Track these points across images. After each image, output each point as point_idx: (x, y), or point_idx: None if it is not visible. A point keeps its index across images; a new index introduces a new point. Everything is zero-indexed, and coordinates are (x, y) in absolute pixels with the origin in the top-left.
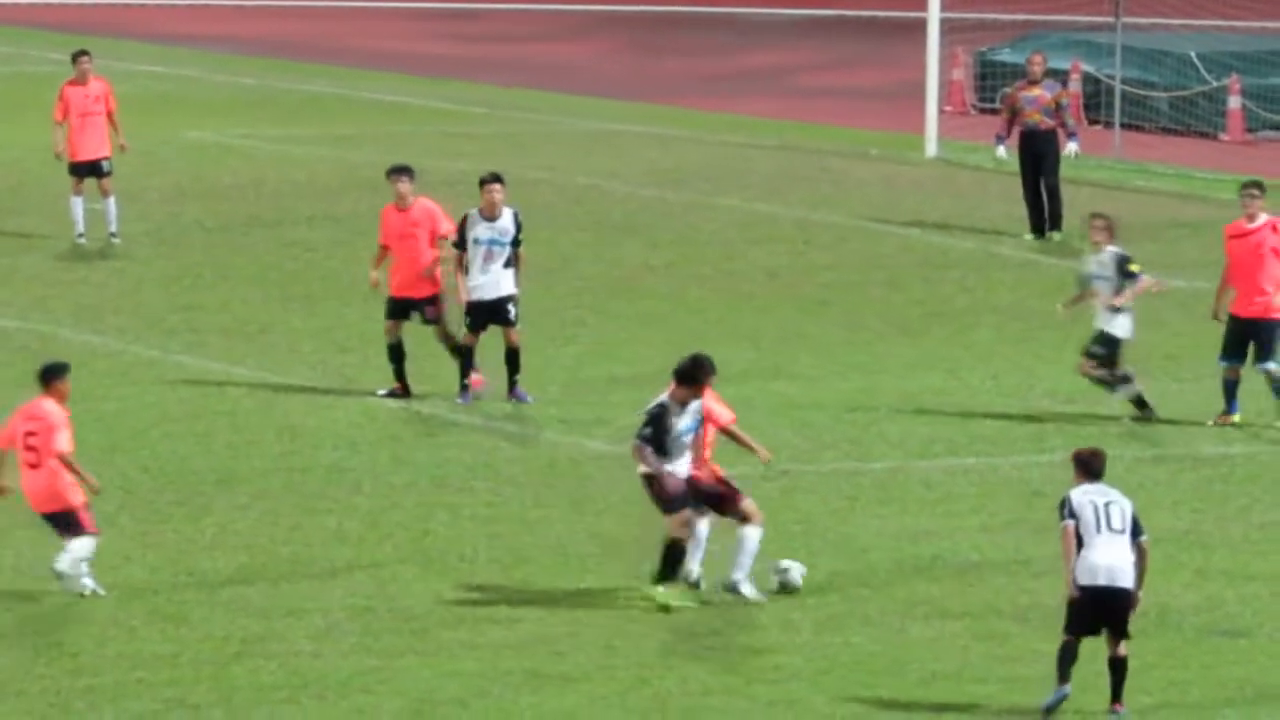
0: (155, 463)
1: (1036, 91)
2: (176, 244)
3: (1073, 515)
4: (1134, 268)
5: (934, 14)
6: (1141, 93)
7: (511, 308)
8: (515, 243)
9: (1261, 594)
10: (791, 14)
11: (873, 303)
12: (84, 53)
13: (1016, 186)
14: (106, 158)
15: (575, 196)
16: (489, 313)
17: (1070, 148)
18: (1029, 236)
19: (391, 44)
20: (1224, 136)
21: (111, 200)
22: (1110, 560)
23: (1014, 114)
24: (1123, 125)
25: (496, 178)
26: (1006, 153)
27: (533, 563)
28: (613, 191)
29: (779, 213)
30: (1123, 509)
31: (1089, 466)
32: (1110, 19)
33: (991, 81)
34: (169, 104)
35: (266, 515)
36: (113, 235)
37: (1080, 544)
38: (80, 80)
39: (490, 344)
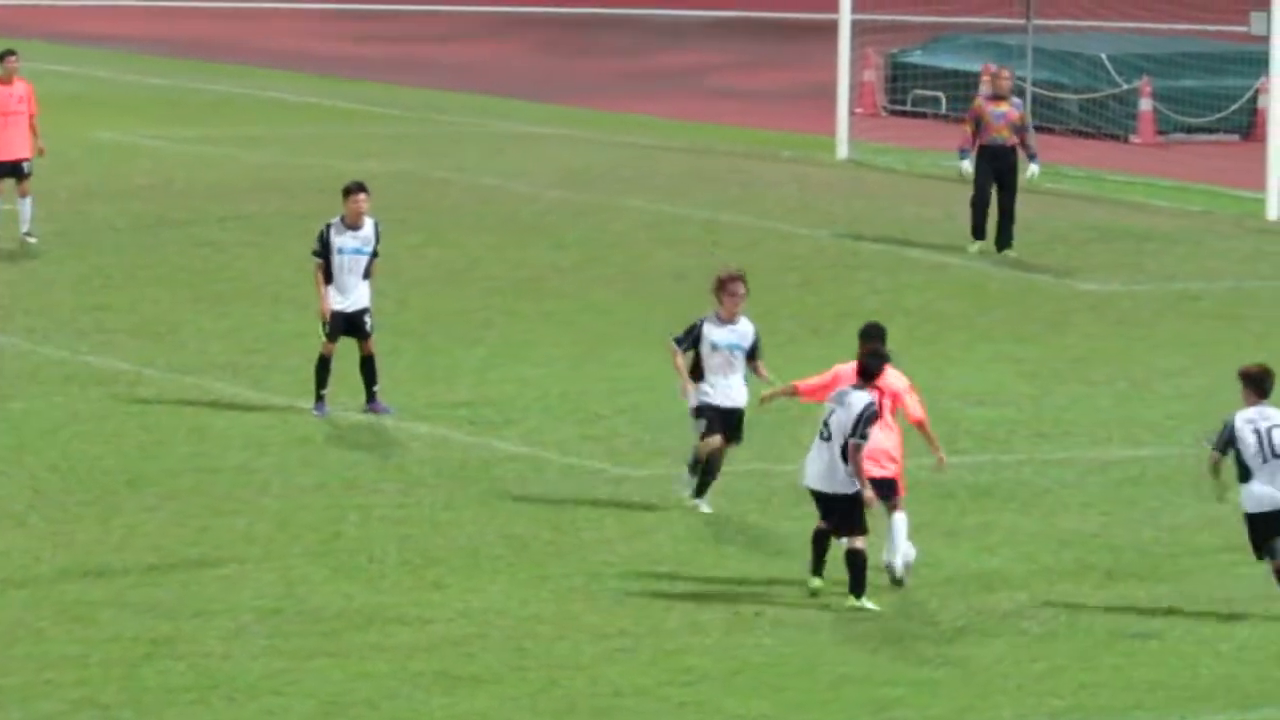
0: (64, 463)
1: (1005, 107)
2: (86, 244)
3: (1230, 443)
4: None
5: (845, 16)
6: (1052, 95)
7: (368, 319)
8: (374, 254)
9: (1171, 596)
10: (702, 15)
11: (784, 304)
12: (11, 52)
13: (927, 188)
14: (27, 159)
15: (483, 197)
16: (347, 323)
17: (1032, 170)
18: (975, 247)
19: (301, 44)
20: (1135, 139)
21: (29, 201)
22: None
23: (978, 127)
24: (1033, 127)
25: (362, 187)
26: (971, 166)
27: (443, 564)
28: (520, 192)
29: (688, 214)
30: None
31: (1260, 384)
32: (1021, 21)
33: (902, 83)
34: (78, 104)
35: (175, 516)
36: (28, 235)
37: (1246, 473)
38: (5, 80)
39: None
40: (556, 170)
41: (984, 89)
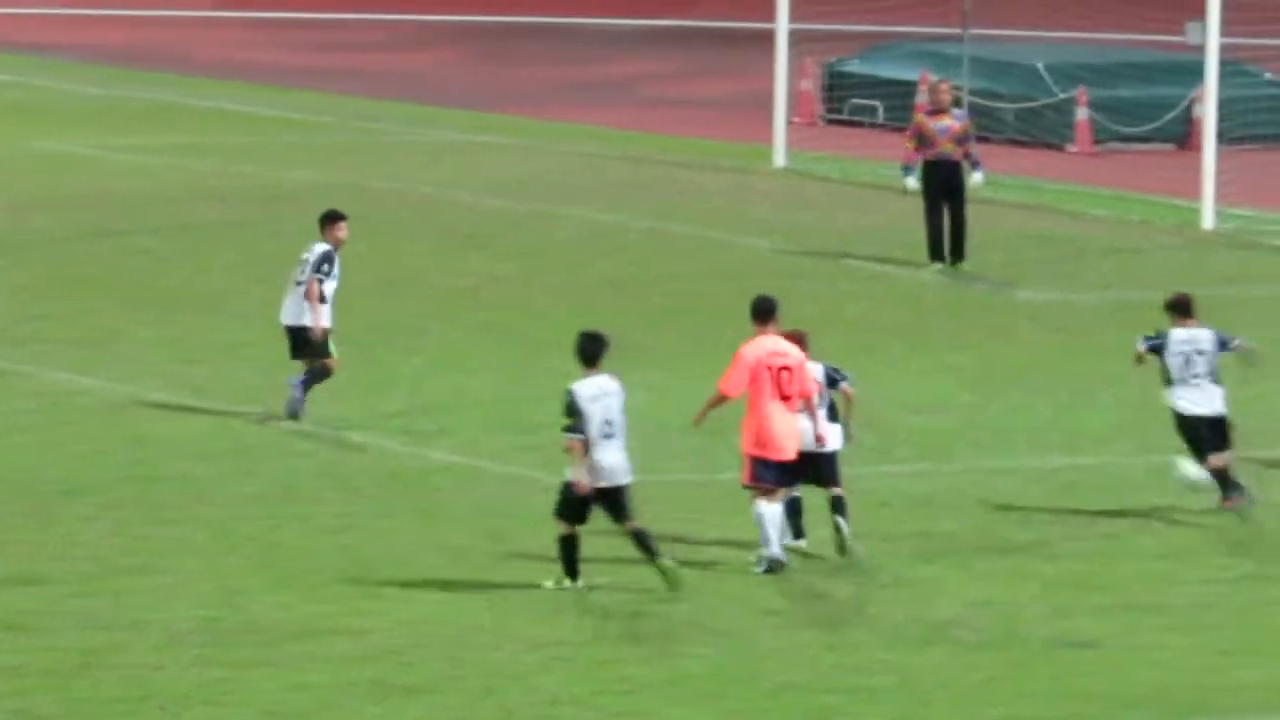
0: (2, 472)
1: (947, 120)
2: (23, 254)
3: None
4: None
5: (782, 24)
6: (989, 104)
7: None
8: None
9: (1108, 605)
10: (640, 24)
11: (721, 313)
12: None
13: (865, 197)
14: None
15: (421, 207)
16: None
17: (976, 178)
18: (936, 267)
19: (238, 54)
20: (1071, 148)
21: None
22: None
23: (921, 142)
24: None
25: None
26: (916, 182)
27: (380, 574)
28: (458, 202)
29: (626, 223)
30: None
31: (1185, 309)
32: (958, 30)
33: (840, 92)
34: (15, 113)
35: (114, 526)
36: None
37: (1169, 381)
38: None
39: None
40: (494, 179)
41: (923, 102)
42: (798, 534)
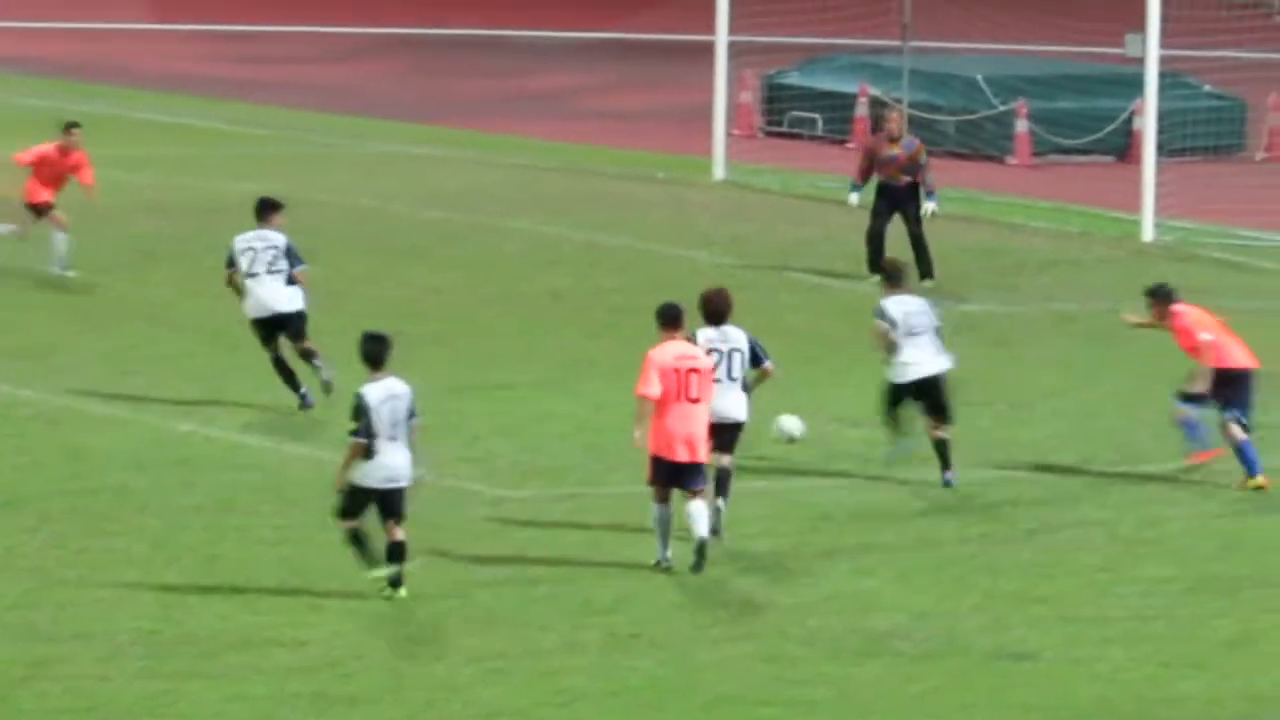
0: None
1: (895, 150)
2: None
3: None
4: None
5: (721, 36)
6: (929, 116)
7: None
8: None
9: (1048, 617)
10: (578, 36)
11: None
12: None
13: (804, 209)
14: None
15: (360, 219)
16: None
17: (927, 206)
18: (874, 279)
19: (177, 65)
20: (1011, 160)
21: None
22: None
23: (870, 165)
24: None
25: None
26: (859, 200)
27: (320, 585)
28: (398, 214)
29: (565, 235)
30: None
31: (897, 277)
32: (897, 42)
33: (779, 104)
34: None
35: (53, 538)
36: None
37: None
38: (66, 150)
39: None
40: (433, 191)
41: (880, 133)
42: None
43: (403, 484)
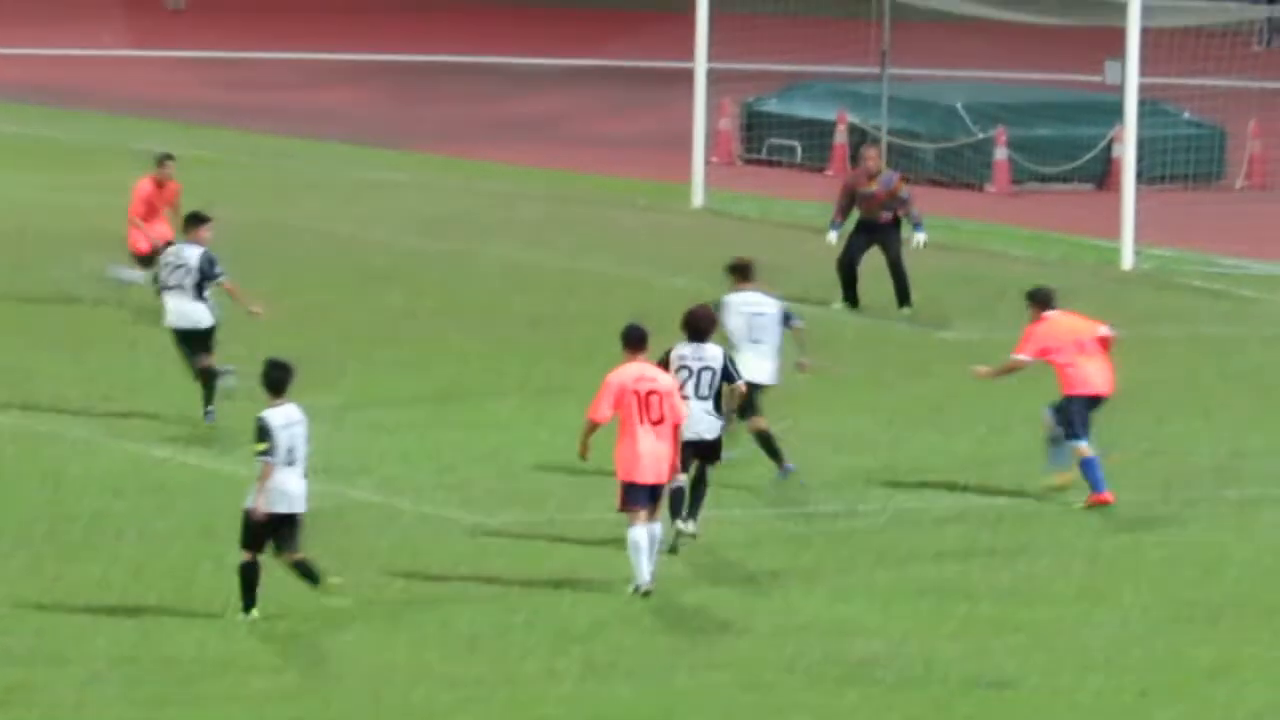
0: None
1: (873, 187)
2: None
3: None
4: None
5: (701, 63)
6: (908, 143)
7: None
8: None
9: (1027, 644)
10: (558, 63)
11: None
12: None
13: (783, 236)
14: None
15: (338, 244)
16: None
17: (918, 239)
18: (837, 305)
19: (156, 91)
20: (990, 188)
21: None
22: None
23: (850, 202)
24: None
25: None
26: (838, 238)
27: (297, 612)
28: (376, 239)
29: (544, 261)
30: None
31: (744, 272)
32: (876, 70)
33: (758, 131)
34: None
35: (30, 563)
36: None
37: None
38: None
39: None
40: (412, 217)
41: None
42: (688, 513)
43: (297, 510)
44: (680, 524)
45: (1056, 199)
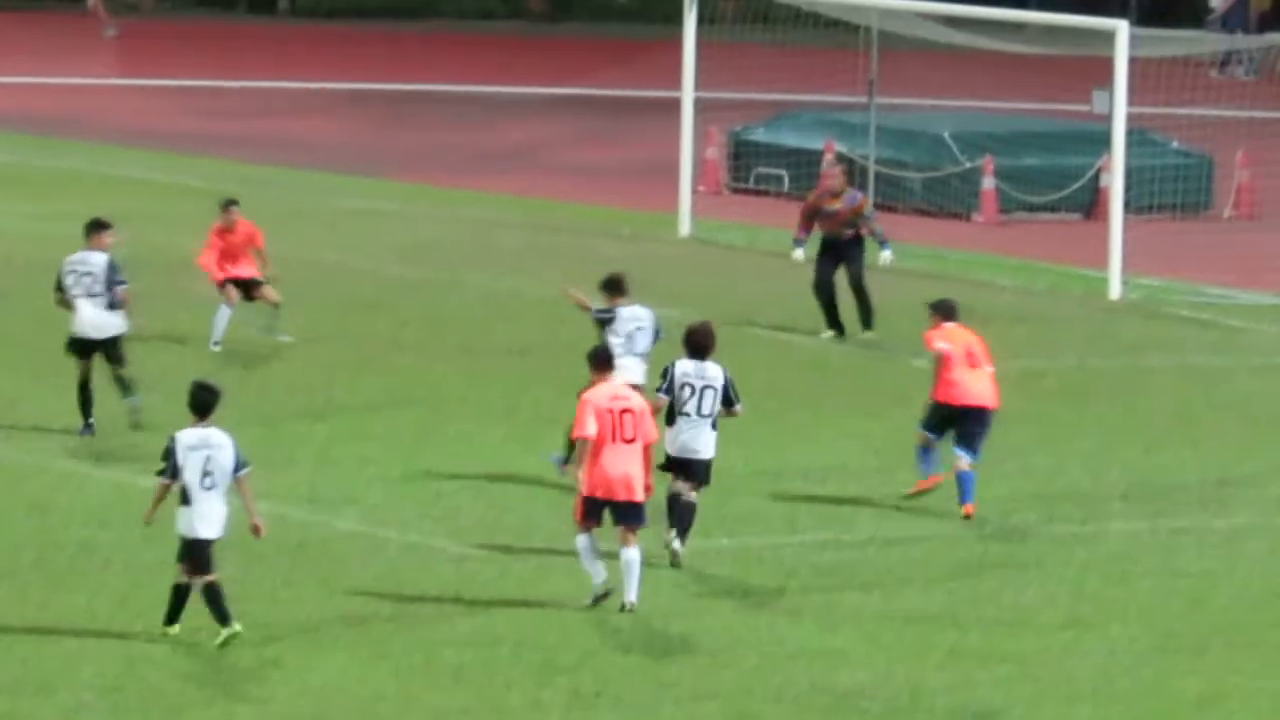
0: None
1: (836, 206)
2: None
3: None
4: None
5: (688, 92)
6: (895, 173)
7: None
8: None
9: (1014, 675)
10: (543, 92)
11: None
12: (234, 202)
13: (770, 265)
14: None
15: (323, 273)
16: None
17: (884, 256)
18: (827, 335)
19: (142, 120)
20: (977, 217)
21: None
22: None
23: (812, 219)
24: (876, 205)
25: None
26: (804, 255)
27: (283, 641)
28: (360, 268)
29: (528, 290)
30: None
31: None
32: (864, 99)
33: (745, 160)
34: None
35: (15, 592)
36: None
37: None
38: (229, 228)
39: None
40: (396, 246)
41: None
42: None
43: (209, 535)
44: (675, 544)
45: (1044, 228)
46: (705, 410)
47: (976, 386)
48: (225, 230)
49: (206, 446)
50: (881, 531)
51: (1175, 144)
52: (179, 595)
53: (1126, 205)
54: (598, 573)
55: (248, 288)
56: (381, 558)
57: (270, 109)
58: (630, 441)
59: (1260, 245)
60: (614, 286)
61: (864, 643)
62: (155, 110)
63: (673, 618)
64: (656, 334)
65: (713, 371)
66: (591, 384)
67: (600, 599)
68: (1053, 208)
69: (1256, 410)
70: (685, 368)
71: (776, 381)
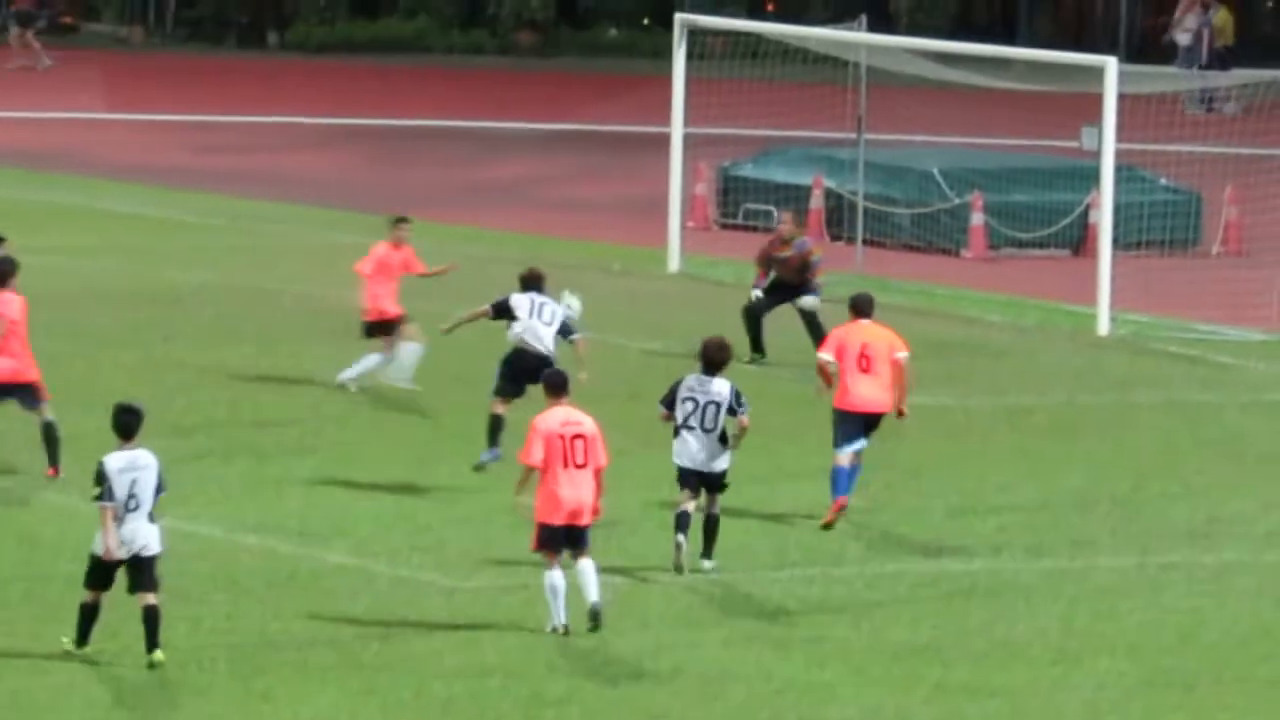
0: None
1: (787, 253)
2: None
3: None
4: None
5: (677, 128)
6: (884, 208)
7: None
8: None
9: (1002, 709)
10: (534, 128)
11: (615, 416)
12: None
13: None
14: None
15: (315, 308)
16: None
17: (805, 301)
18: (746, 359)
19: (132, 155)
20: (966, 253)
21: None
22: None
23: (769, 266)
24: (865, 241)
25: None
26: (761, 295)
27: (272, 674)
28: (353, 303)
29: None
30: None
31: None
32: (852, 134)
33: (734, 196)
34: None
35: (4, 625)
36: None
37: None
38: (395, 245)
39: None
40: None
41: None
42: (704, 552)
43: (148, 553)
44: (705, 564)
45: (1033, 265)
46: (709, 425)
47: (866, 392)
48: (396, 246)
49: (134, 468)
50: (869, 565)
51: (1164, 180)
52: (88, 615)
53: (1115, 241)
54: (558, 614)
55: (391, 327)
56: (371, 590)
57: (261, 144)
58: (582, 467)
59: (1248, 281)
60: (531, 281)
61: (852, 676)
62: (146, 145)
63: (661, 651)
64: (565, 327)
65: (718, 386)
66: (546, 408)
67: (554, 631)
68: (1041, 244)
69: (1245, 446)
70: (689, 382)
71: (763, 415)
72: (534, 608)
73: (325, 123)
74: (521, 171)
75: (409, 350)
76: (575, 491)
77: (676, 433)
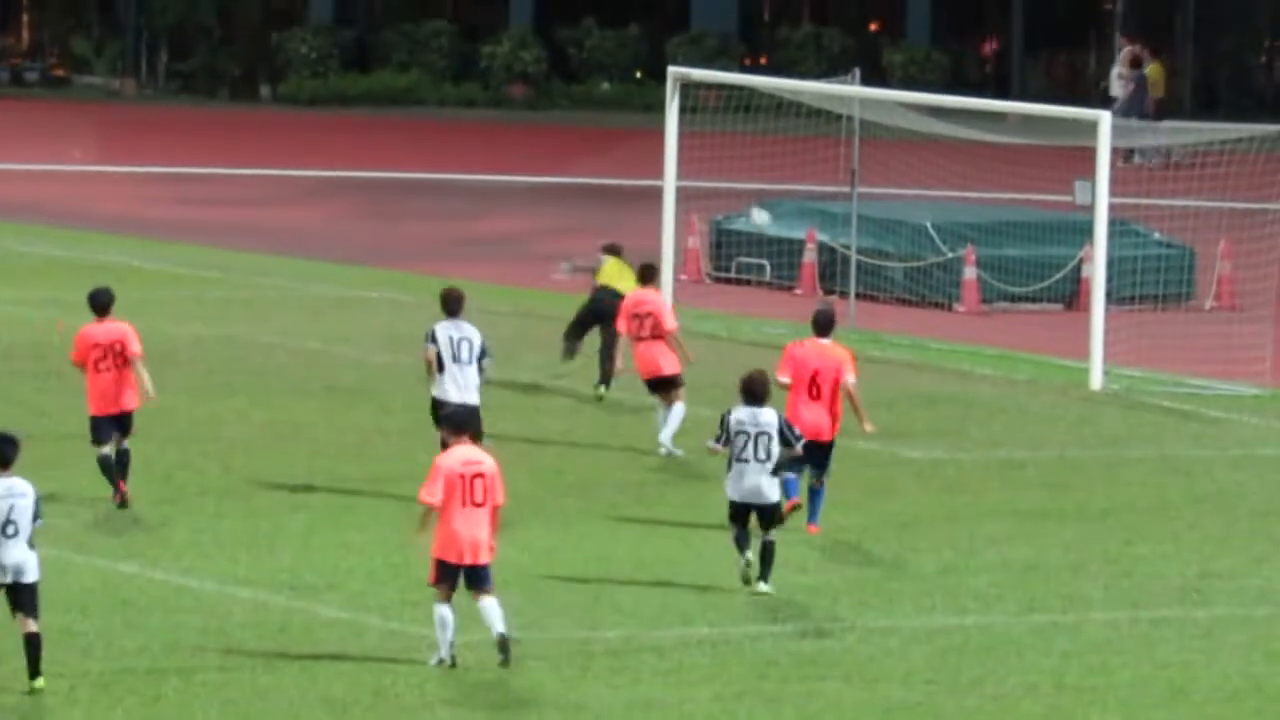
0: None
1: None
2: None
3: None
4: None
5: (669, 181)
6: (876, 262)
7: None
8: None
9: None
10: (527, 181)
11: (607, 470)
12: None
13: (751, 354)
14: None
15: (307, 361)
16: None
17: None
18: (600, 390)
19: (122, 207)
20: (959, 307)
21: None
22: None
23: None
24: (857, 295)
25: None
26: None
27: None
28: (345, 356)
29: (513, 378)
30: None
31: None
32: (845, 188)
33: (727, 249)
34: None
35: None
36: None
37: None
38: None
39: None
40: (381, 334)
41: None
42: (760, 576)
43: (26, 579)
44: (761, 586)
45: (1025, 319)
46: (762, 455)
47: (810, 418)
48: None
49: (10, 496)
50: (862, 621)
51: (1157, 235)
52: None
53: (1108, 296)
54: (445, 645)
55: (664, 386)
56: (362, 644)
57: (254, 196)
58: (480, 505)
59: (1241, 336)
60: (452, 301)
61: None
62: (138, 197)
63: (652, 707)
64: (483, 352)
65: (766, 417)
66: (449, 447)
67: (439, 664)
68: (1034, 298)
69: (1237, 501)
70: (740, 415)
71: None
72: (527, 662)
73: (318, 175)
74: (514, 225)
75: (675, 411)
76: (471, 529)
77: (729, 465)
